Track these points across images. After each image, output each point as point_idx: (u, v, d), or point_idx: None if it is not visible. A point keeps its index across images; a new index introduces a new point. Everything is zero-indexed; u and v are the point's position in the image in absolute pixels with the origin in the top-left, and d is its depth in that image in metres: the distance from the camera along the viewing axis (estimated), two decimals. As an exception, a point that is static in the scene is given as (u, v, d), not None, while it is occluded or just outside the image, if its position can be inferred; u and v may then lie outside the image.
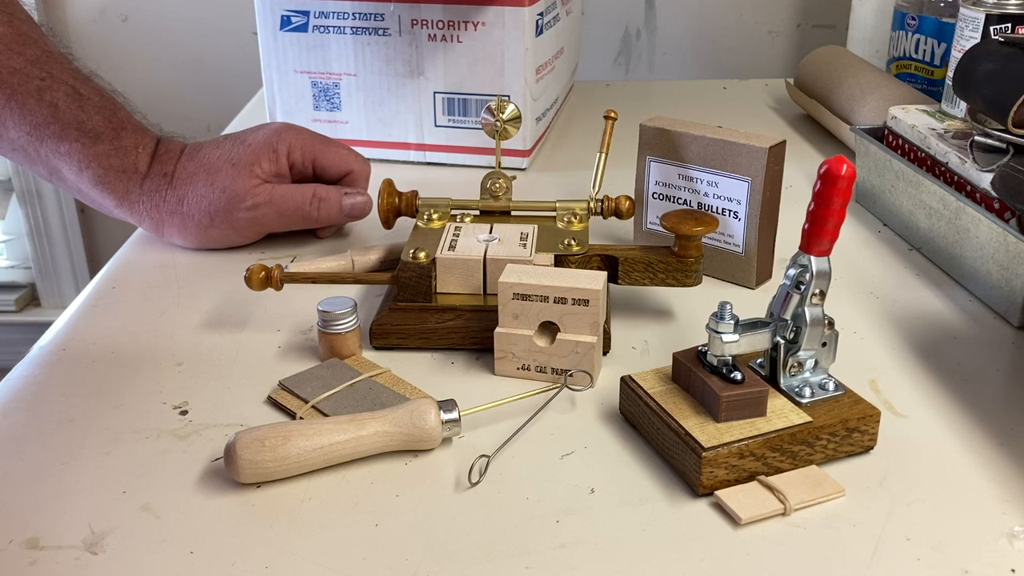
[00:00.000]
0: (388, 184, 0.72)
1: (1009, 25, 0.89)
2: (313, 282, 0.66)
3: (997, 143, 0.73)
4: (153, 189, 0.73)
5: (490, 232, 0.67)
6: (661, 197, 0.75)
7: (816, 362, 0.54)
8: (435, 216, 0.70)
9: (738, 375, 0.51)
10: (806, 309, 0.52)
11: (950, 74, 0.90)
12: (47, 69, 0.71)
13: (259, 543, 0.47)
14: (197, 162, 0.74)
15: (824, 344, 0.53)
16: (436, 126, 0.98)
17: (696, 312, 0.69)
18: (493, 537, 0.47)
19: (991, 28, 0.89)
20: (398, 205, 0.71)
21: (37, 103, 0.70)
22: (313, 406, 0.57)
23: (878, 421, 0.52)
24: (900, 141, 0.85)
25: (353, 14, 0.95)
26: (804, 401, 0.52)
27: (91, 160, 0.72)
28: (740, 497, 0.49)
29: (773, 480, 0.50)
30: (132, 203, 0.74)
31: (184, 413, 0.57)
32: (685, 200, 0.73)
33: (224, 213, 0.73)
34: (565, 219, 0.70)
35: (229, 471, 0.50)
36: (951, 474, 0.52)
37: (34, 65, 0.70)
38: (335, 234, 0.83)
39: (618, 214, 0.71)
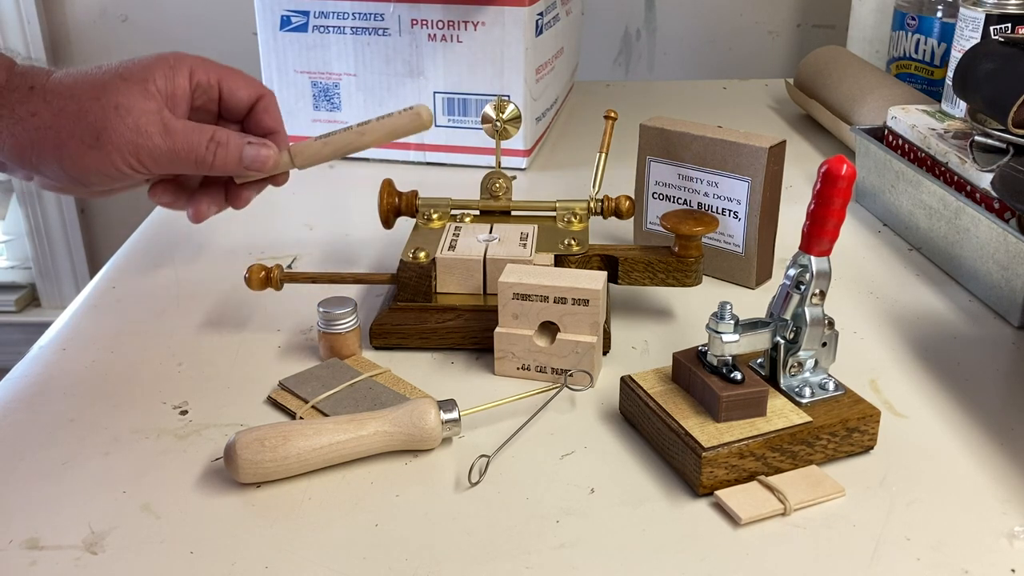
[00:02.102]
0: (388, 184, 0.72)
1: (1009, 25, 0.88)
2: (313, 282, 0.66)
3: (997, 143, 0.73)
4: (15, 102, 0.61)
5: (490, 232, 0.67)
6: (661, 197, 0.75)
7: (816, 362, 0.54)
8: (435, 216, 0.70)
9: (738, 375, 0.51)
10: (806, 309, 0.52)
11: (950, 74, 0.90)
12: None
13: (259, 543, 0.47)
14: (76, 76, 0.62)
15: (824, 344, 0.53)
16: (436, 126, 0.98)
17: (696, 312, 0.69)
18: (493, 537, 0.47)
19: (991, 28, 0.89)
20: (398, 205, 0.71)
21: None
22: (313, 406, 0.57)
23: (878, 421, 0.52)
24: (900, 141, 0.85)
25: (353, 14, 0.95)
26: (804, 401, 0.52)
27: None
28: (740, 497, 0.49)
29: (773, 480, 0.50)
30: None
31: (184, 413, 0.57)
32: (685, 200, 0.73)
33: (112, 132, 0.61)
34: (565, 219, 0.70)
35: (229, 471, 0.50)
36: (951, 474, 0.52)
37: None
38: (333, 233, 0.83)
39: (618, 214, 0.71)
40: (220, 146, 0.64)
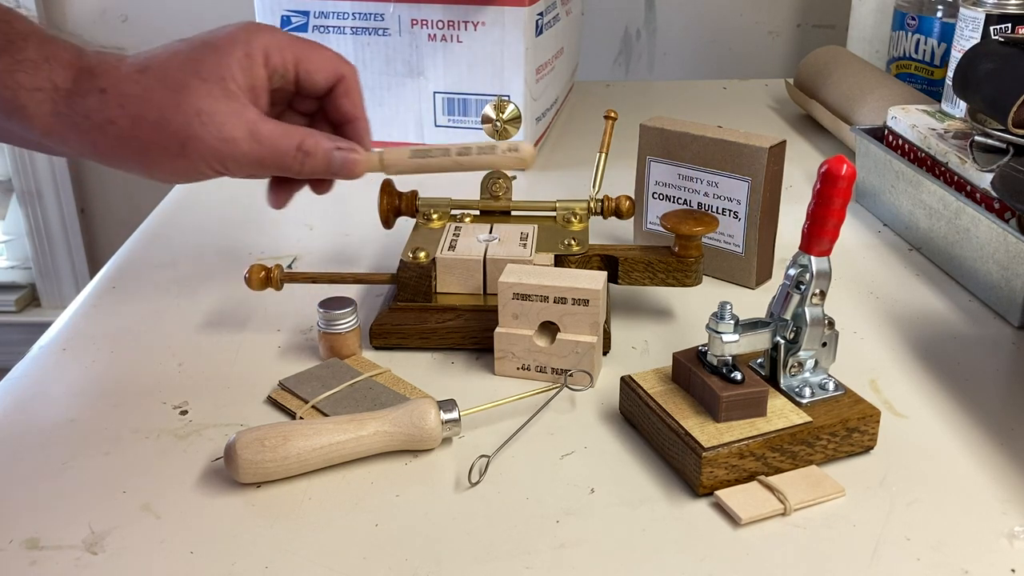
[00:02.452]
0: (388, 184, 0.72)
1: (1009, 25, 0.88)
2: (313, 282, 0.66)
3: (997, 143, 0.73)
4: (89, 110, 0.58)
5: (490, 232, 0.67)
6: (661, 197, 0.75)
7: (816, 362, 0.54)
8: (435, 216, 0.70)
9: (738, 375, 0.51)
10: (806, 309, 0.52)
11: (950, 74, 0.90)
12: None
13: (259, 543, 0.47)
14: (152, 76, 0.59)
15: (824, 344, 0.53)
16: (436, 126, 0.98)
17: (696, 312, 0.69)
18: (493, 537, 0.47)
19: (991, 28, 0.89)
20: (398, 205, 0.71)
21: None
22: (313, 406, 0.57)
23: (878, 421, 0.52)
24: (900, 141, 0.85)
25: (353, 14, 0.95)
26: (804, 401, 0.52)
27: None
28: (740, 497, 0.49)
29: (773, 480, 0.50)
30: (64, 130, 0.59)
31: (184, 413, 0.57)
32: (685, 200, 0.73)
33: (198, 140, 0.59)
34: (565, 219, 0.70)
35: (229, 471, 0.50)
36: (951, 474, 0.52)
37: None
38: (333, 233, 0.83)
39: (618, 214, 0.71)
40: (308, 156, 0.61)
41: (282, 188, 0.66)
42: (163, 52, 0.59)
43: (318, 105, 0.65)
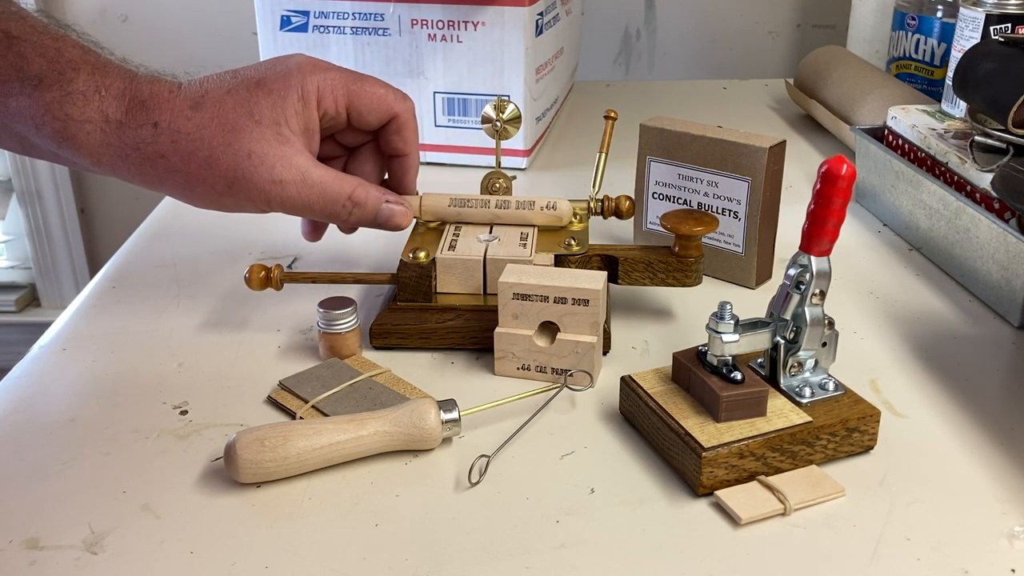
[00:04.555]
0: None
1: (1009, 25, 0.89)
2: (313, 282, 0.66)
3: (997, 143, 0.73)
4: (140, 142, 0.58)
5: (490, 232, 0.67)
6: (661, 197, 0.75)
7: (816, 362, 0.54)
8: (435, 216, 0.70)
9: (738, 375, 0.51)
10: (806, 309, 0.52)
11: (950, 74, 0.90)
12: None
13: (259, 543, 0.47)
14: (206, 113, 0.59)
15: (824, 344, 0.53)
16: (436, 126, 0.98)
17: (696, 312, 0.69)
18: (493, 537, 0.47)
19: (991, 28, 0.89)
20: (398, 205, 0.71)
21: None
22: (313, 406, 0.57)
23: (878, 421, 0.52)
24: (900, 141, 0.85)
25: (353, 14, 0.95)
26: (804, 401, 0.52)
27: (43, 113, 0.57)
28: (740, 497, 0.49)
29: (773, 480, 0.50)
30: (113, 159, 0.59)
31: (184, 413, 0.57)
32: (685, 200, 0.73)
33: (245, 181, 0.59)
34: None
35: (229, 471, 0.50)
36: (951, 474, 0.52)
37: None
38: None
39: (618, 214, 0.71)
40: (357, 207, 0.62)
41: (319, 224, 0.68)
42: (218, 87, 0.60)
43: (368, 138, 0.66)
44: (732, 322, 0.52)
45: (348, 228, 0.66)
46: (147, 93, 0.58)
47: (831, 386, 0.53)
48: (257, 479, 0.50)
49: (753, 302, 0.70)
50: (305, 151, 0.60)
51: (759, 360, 0.55)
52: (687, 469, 0.50)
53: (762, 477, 0.50)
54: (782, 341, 0.53)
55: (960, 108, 0.87)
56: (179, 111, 0.58)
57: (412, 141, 0.65)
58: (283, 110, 0.59)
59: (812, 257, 0.51)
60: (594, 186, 0.73)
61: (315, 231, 0.68)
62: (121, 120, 0.58)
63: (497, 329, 0.60)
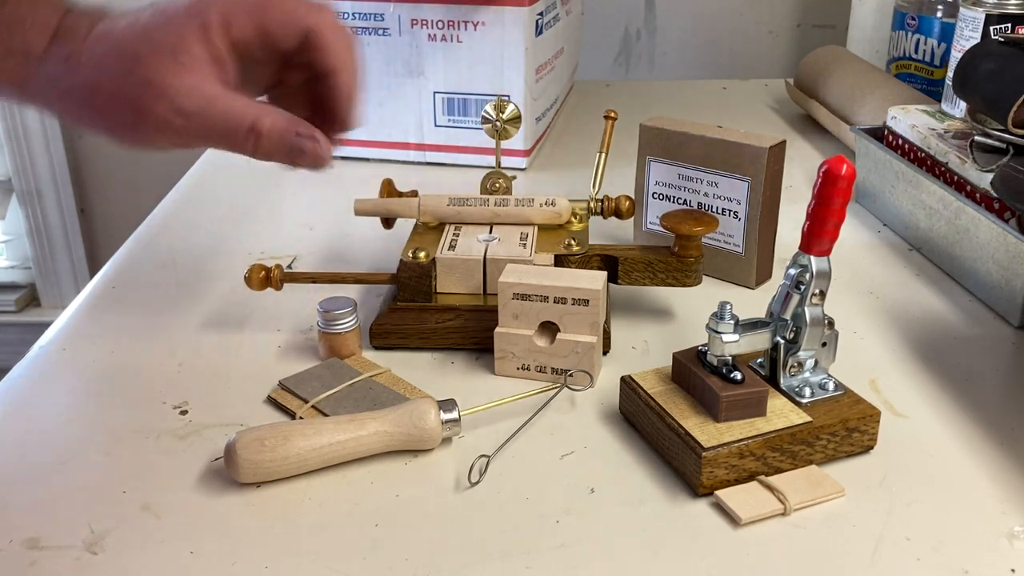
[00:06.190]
0: (388, 184, 0.72)
1: (1009, 25, 0.88)
2: (313, 282, 0.66)
3: (997, 143, 0.73)
4: (56, 77, 0.56)
5: (490, 232, 0.67)
6: (661, 197, 0.75)
7: (816, 362, 0.54)
8: (435, 216, 0.70)
9: (738, 375, 0.51)
10: (806, 309, 0.52)
11: (950, 74, 0.90)
12: None
13: (259, 543, 0.47)
14: (110, 42, 0.55)
15: (824, 344, 0.53)
16: (436, 126, 0.98)
17: (696, 312, 0.69)
18: (493, 537, 0.47)
19: (991, 28, 0.89)
20: (398, 205, 0.71)
21: None
22: (313, 406, 0.57)
23: (878, 421, 0.52)
24: (900, 141, 0.85)
25: (353, 14, 0.95)
26: (804, 401, 0.52)
27: None
28: (740, 497, 0.49)
29: (773, 480, 0.50)
30: (34, 93, 0.57)
31: (184, 413, 0.57)
32: (685, 200, 0.73)
33: (149, 113, 0.55)
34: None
35: (229, 471, 0.50)
36: (951, 474, 0.52)
37: None
38: (333, 233, 0.83)
39: (618, 214, 0.71)
40: (260, 138, 0.56)
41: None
42: (126, 21, 0.56)
43: (304, 74, 0.59)
44: (732, 322, 0.52)
45: (261, 159, 0.59)
46: (70, 24, 0.56)
47: (831, 386, 0.53)
48: (257, 479, 0.50)
49: (753, 302, 0.70)
50: (212, 79, 0.55)
51: (759, 360, 0.55)
52: (687, 469, 0.50)
53: (762, 477, 0.50)
54: (782, 341, 0.53)
55: (960, 108, 0.87)
56: (89, 44, 0.55)
57: (338, 56, 0.57)
58: (182, 37, 0.54)
59: (812, 257, 0.51)
60: (594, 186, 0.73)
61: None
62: (41, 54, 0.55)
63: (497, 329, 0.60)
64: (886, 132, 0.87)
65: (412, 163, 1.00)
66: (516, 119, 0.72)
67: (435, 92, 0.97)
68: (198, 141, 0.56)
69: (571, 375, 0.59)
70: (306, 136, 0.56)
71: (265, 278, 0.64)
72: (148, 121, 0.55)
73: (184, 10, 0.55)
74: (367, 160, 1.00)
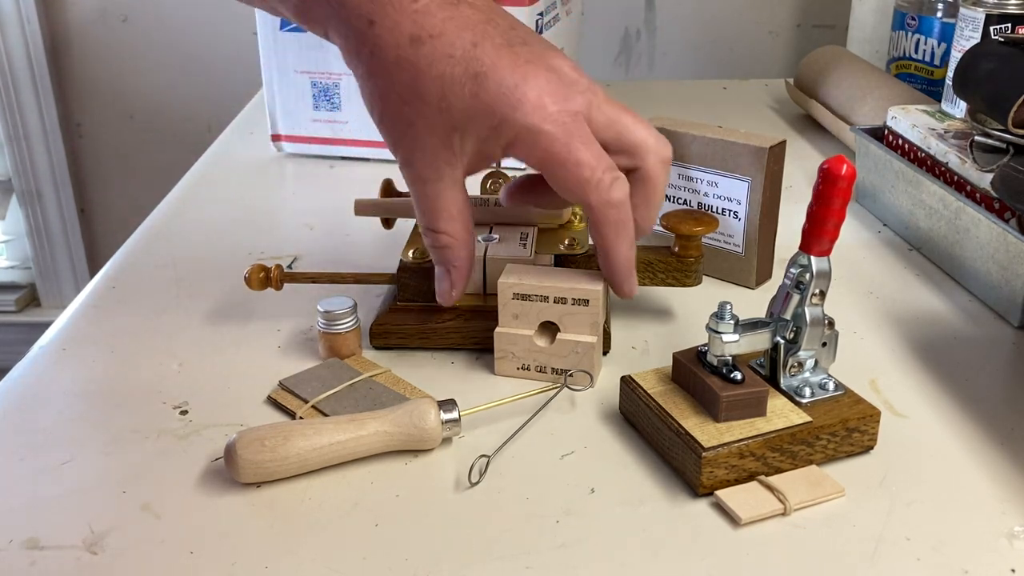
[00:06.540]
0: (388, 184, 0.72)
1: (1009, 25, 0.88)
2: (313, 282, 0.66)
3: (997, 143, 0.73)
4: (355, 46, 0.53)
5: (490, 232, 0.67)
6: (661, 197, 0.75)
7: (816, 362, 0.54)
8: (435, 216, 0.70)
9: (738, 375, 0.51)
10: (806, 309, 0.52)
11: (950, 74, 0.90)
12: None
13: (259, 543, 0.47)
14: (402, 71, 0.52)
15: (824, 344, 0.53)
16: (436, 126, 0.98)
17: (696, 312, 0.69)
18: (493, 537, 0.47)
19: (991, 28, 0.89)
20: (398, 205, 0.71)
21: None
22: (313, 406, 0.57)
23: (878, 421, 0.52)
24: (900, 141, 0.85)
25: (353, 14, 0.95)
26: (804, 401, 0.52)
27: None
28: (740, 497, 0.49)
29: (773, 480, 0.50)
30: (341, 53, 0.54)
31: (184, 413, 0.57)
32: (685, 200, 0.73)
33: (403, 163, 0.55)
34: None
35: (229, 471, 0.50)
36: (951, 474, 0.52)
37: None
38: (333, 233, 0.83)
39: (618, 214, 0.71)
40: (433, 250, 0.57)
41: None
42: (442, 28, 0.51)
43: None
44: (732, 322, 0.52)
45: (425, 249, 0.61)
46: (369, 25, 0.51)
47: (831, 386, 0.53)
48: (257, 479, 0.50)
49: (753, 302, 0.70)
50: (459, 187, 0.55)
51: (759, 360, 0.55)
52: (687, 469, 0.50)
53: (762, 477, 0.50)
54: (782, 341, 0.53)
55: (960, 108, 0.87)
56: (396, 38, 0.51)
57: (607, 239, 0.54)
58: (471, 129, 0.52)
59: (812, 257, 0.51)
60: (594, 186, 0.72)
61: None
62: (349, 48, 0.53)
63: (497, 329, 0.60)
64: (886, 132, 0.87)
65: (412, 163, 1.00)
66: (516, 119, 0.72)
67: (435, 92, 0.97)
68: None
69: (571, 375, 0.59)
70: (455, 278, 0.58)
71: (265, 278, 0.64)
72: (400, 158, 0.54)
73: (498, 98, 0.51)
74: (367, 160, 1.00)
